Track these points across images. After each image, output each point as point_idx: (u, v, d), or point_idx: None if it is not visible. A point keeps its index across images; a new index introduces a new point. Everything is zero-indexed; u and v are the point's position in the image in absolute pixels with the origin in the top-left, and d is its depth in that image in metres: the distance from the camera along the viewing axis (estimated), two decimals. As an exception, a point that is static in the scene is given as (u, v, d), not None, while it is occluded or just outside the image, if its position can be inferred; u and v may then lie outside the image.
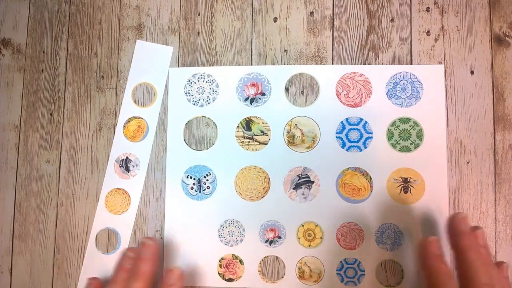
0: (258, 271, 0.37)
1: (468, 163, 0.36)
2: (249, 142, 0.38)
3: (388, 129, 0.37)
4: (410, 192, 0.36)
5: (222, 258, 0.37)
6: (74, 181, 0.39)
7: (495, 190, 0.36)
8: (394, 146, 0.37)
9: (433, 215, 0.36)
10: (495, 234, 0.36)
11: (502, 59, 0.37)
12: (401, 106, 0.37)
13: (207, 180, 0.38)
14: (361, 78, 0.38)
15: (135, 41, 0.40)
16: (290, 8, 0.39)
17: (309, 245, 0.37)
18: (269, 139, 0.38)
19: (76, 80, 0.40)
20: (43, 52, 0.40)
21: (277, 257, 0.37)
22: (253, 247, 0.37)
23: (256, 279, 0.37)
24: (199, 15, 0.40)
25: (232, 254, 0.37)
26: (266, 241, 0.37)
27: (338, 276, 0.36)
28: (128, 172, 0.38)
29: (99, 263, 0.38)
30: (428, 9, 0.38)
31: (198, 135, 0.38)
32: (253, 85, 0.38)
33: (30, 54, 0.41)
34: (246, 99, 0.38)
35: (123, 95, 0.39)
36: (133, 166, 0.38)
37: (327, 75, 0.38)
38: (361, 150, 0.37)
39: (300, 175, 0.37)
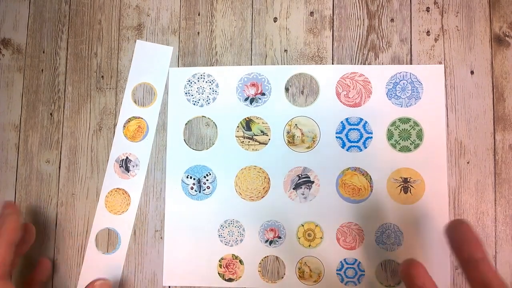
0: (258, 271, 0.37)
1: (468, 163, 0.36)
2: (249, 142, 0.38)
3: (388, 129, 0.37)
4: (410, 192, 0.36)
5: (222, 258, 0.37)
6: (74, 181, 0.39)
7: (495, 190, 0.36)
8: (394, 146, 0.37)
9: (433, 215, 0.36)
10: (495, 234, 0.36)
11: (502, 59, 0.37)
12: (401, 106, 0.37)
13: (207, 180, 0.38)
14: (361, 78, 0.38)
15: (135, 41, 0.40)
16: (290, 8, 0.39)
17: (309, 245, 0.37)
18: (269, 139, 0.38)
19: (76, 80, 0.40)
20: (43, 52, 0.40)
21: (277, 257, 0.37)
22: (253, 247, 0.37)
23: (256, 279, 0.37)
24: (199, 15, 0.40)
25: (232, 254, 0.37)
26: (266, 241, 0.37)
27: (338, 276, 0.36)
28: (128, 172, 0.38)
29: (99, 263, 0.38)
30: (428, 9, 0.38)
31: (198, 135, 0.38)
32: (253, 85, 0.38)
33: (30, 54, 0.41)
34: (246, 99, 0.38)
35: (123, 95, 0.39)
36: (133, 166, 0.38)
37: (327, 75, 0.38)
38: (361, 150, 0.37)
39: (300, 175, 0.37)
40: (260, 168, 0.37)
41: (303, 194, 0.37)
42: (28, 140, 0.40)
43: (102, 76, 0.40)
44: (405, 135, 0.37)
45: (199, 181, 0.38)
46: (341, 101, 0.38)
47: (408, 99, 0.37)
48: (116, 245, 0.38)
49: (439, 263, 0.35)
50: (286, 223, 0.37)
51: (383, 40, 0.38)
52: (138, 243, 0.38)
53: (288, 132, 0.38)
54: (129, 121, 0.39)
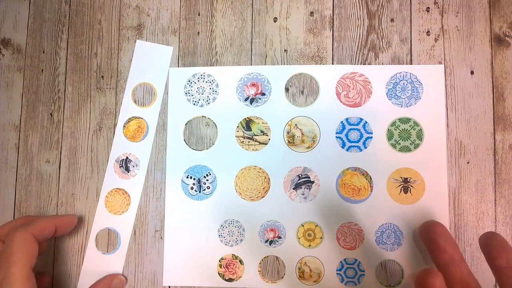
0: (258, 271, 0.37)
1: (468, 163, 0.36)
2: (249, 142, 0.38)
3: (388, 129, 0.37)
4: (410, 192, 0.36)
5: (222, 258, 0.37)
6: (74, 181, 0.39)
7: (495, 190, 0.36)
8: (394, 146, 0.37)
9: (433, 215, 0.36)
10: (495, 234, 0.36)
11: (502, 59, 0.37)
12: (401, 106, 0.37)
13: (207, 180, 0.38)
14: (361, 78, 0.38)
15: (135, 41, 0.40)
16: (290, 8, 0.39)
17: (309, 245, 0.37)
18: (269, 139, 0.38)
19: (76, 80, 0.40)
20: (43, 52, 0.40)
21: (277, 257, 0.37)
22: (253, 247, 0.37)
23: (256, 279, 0.37)
24: (199, 15, 0.40)
25: (232, 254, 0.37)
26: (266, 241, 0.37)
27: (338, 276, 0.36)
28: (128, 172, 0.38)
29: (99, 263, 0.38)
30: (428, 9, 0.38)
31: (198, 135, 0.38)
32: (253, 85, 0.38)
33: (30, 54, 0.41)
34: (246, 99, 0.38)
35: (123, 95, 0.39)
36: (133, 166, 0.38)
37: (327, 75, 0.38)
38: (361, 150, 0.37)
39: (300, 175, 0.37)
40: (260, 168, 0.37)
41: (303, 194, 0.37)
42: (28, 140, 0.40)
43: (102, 76, 0.40)
44: (405, 135, 0.37)
45: (199, 181, 0.38)
46: (341, 101, 0.38)
47: (408, 99, 0.37)
48: (116, 245, 0.38)
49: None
50: (286, 223, 0.37)
51: (383, 40, 0.38)
52: (138, 243, 0.38)
53: (288, 132, 0.38)
54: (129, 121, 0.39)
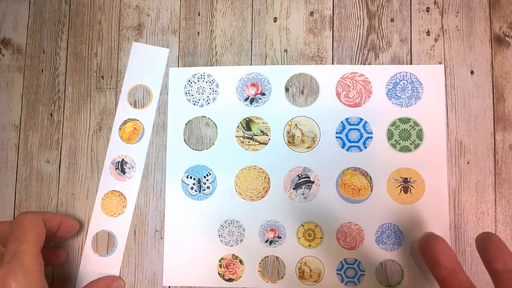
0: (258, 271, 0.37)
1: (468, 163, 0.36)
2: (249, 142, 0.38)
3: (388, 129, 0.37)
4: (410, 192, 0.36)
5: (222, 258, 0.37)
6: (74, 181, 0.39)
7: (495, 190, 0.36)
8: (394, 146, 0.37)
9: (433, 215, 0.36)
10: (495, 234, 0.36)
11: (502, 59, 0.37)
12: (401, 106, 0.37)
13: (207, 180, 0.38)
14: (361, 78, 0.38)
15: (135, 41, 0.40)
16: (290, 8, 0.39)
17: (309, 245, 0.37)
18: (269, 139, 0.38)
19: (76, 80, 0.40)
20: (43, 52, 0.40)
21: (277, 257, 0.37)
22: (253, 247, 0.37)
23: (256, 279, 0.37)
24: (199, 15, 0.40)
25: (232, 254, 0.37)
26: (266, 241, 0.37)
27: (338, 276, 0.36)
28: (124, 174, 0.38)
29: (96, 265, 0.38)
30: (428, 9, 0.38)
31: (198, 135, 0.38)
32: (253, 85, 0.38)
33: (30, 54, 0.41)
34: (246, 99, 0.38)
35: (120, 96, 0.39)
36: (129, 168, 0.38)
37: (327, 75, 0.38)
38: (361, 150, 0.37)
39: (300, 175, 0.37)
40: (260, 168, 0.37)
41: (303, 194, 0.37)
42: (28, 140, 0.40)
43: (102, 76, 0.40)
44: (405, 135, 0.37)
45: (199, 181, 0.38)
46: (341, 101, 0.38)
47: (408, 99, 0.37)
48: (113, 247, 0.38)
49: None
50: (286, 223, 0.37)
51: (383, 40, 0.38)
52: (138, 243, 0.38)
53: (288, 132, 0.38)
54: (124, 123, 0.39)
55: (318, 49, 0.38)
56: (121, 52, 0.40)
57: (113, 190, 0.38)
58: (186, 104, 0.39)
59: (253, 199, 0.37)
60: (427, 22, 0.38)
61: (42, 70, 0.40)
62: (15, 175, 0.40)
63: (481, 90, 0.37)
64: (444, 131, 0.37)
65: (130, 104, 0.39)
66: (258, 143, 0.38)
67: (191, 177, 0.38)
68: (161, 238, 0.38)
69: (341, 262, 0.36)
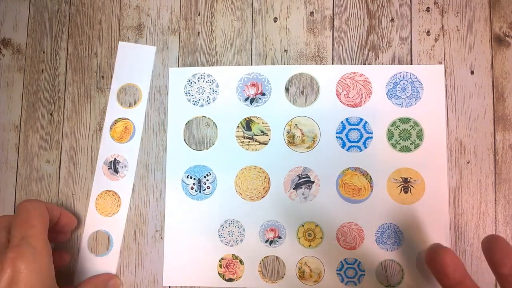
0: (258, 271, 0.37)
1: (468, 163, 0.36)
2: (249, 142, 0.38)
3: (388, 129, 0.37)
4: (410, 192, 0.36)
5: (222, 258, 0.37)
6: (74, 181, 0.39)
7: (495, 190, 0.36)
8: (394, 146, 0.37)
9: (433, 215, 0.36)
10: (495, 234, 0.36)
11: (502, 59, 0.37)
12: (401, 106, 0.37)
13: (207, 180, 0.38)
14: (361, 78, 0.38)
15: (136, 41, 0.40)
16: (290, 8, 0.39)
17: (309, 245, 0.37)
18: (269, 139, 0.38)
19: (76, 80, 0.40)
20: (43, 52, 0.40)
21: (277, 257, 0.37)
22: (253, 247, 0.37)
23: (256, 279, 0.37)
24: (199, 15, 0.40)
25: (232, 254, 0.37)
26: (266, 241, 0.37)
27: (338, 276, 0.36)
28: (117, 173, 0.38)
29: (93, 265, 0.38)
30: (428, 9, 0.38)
31: (198, 135, 0.38)
32: (253, 85, 0.38)
33: (30, 54, 0.41)
34: (246, 99, 0.38)
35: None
36: (122, 167, 0.38)
37: (327, 75, 0.38)
38: (361, 150, 0.37)
39: (300, 175, 0.37)
40: (260, 168, 0.37)
41: (303, 194, 0.37)
42: (28, 140, 0.40)
43: (102, 76, 0.40)
44: (405, 135, 0.37)
45: (199, 181, 0.38)
46: (341, 101, 0.38)
47: (408, 99, 0.37)
48: (109, 246, 0.38)
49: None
50: (286, 223, 0.37)
51: (383, 40, 0.38)
52: (138, 243, 0.38)
53: (288, 132, 0.38)
54: (115, 123, 0.39)
55: (318, 49, 0.38)
56: (121, 52, 0.40)
57: (107, 190, 0.38)
58: (186, 104, 0.39)
59: (253, 199, 0.37)
60: (427, 22, 0.38)
61: (42, 70, 0.40)
62: (15, 175, 0.40)
63: (481, 90, 0.37)
64: (444, 131, 0.37)
65: (120, 103, 0.39)
66: (258, 143, 0.38)
67: (191, 177, 0.38)
68: (161, 238, 0.38)
69: (341, 262, 0.36)
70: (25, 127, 0.40)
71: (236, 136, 0.38)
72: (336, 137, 0.37)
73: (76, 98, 0.40)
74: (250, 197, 0.37)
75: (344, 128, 0.37)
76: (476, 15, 0.38)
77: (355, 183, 0.37)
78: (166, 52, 0.39)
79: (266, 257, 0.37)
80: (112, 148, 0.39)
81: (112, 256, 0.38)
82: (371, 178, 0.37)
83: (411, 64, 0.38)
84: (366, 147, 0.37)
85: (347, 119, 0.37)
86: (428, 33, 0.38)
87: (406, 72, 0.37)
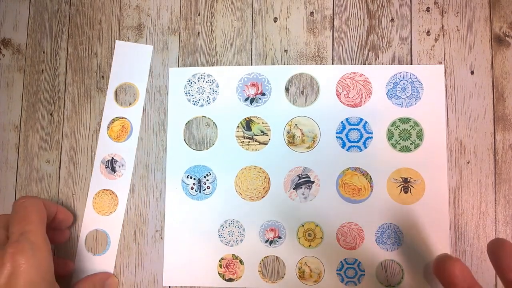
0: (258, 271, 0.37)
1: (468, 163, 0.36)
2: (249, 142, 0.38)
3: (388, 129, 0.37)
4: (410, 192, 0.36)
5: (222, 258, 0.37)
6: (74, 181, 0.39)
7: (495, 190, 0.36)
8: (394, 146, 0.37)
9: (433, 215, 0.36)
10: (495, 234, 0.36)
11: (502, 59, 0.37)
12: (401, 106, 0.37)
13: (207, 180, 0.38)
14: (361, 78, 0.38)
15: (136, 41, 0.40)
16: (290, 8, 0.39)
17: (309, 245, 0.37)
18: (269, 139, 0.38)
19: (76, 80, 0.40)
20: (43, 52, 0.40)
21: (277, 257, 0.37)
22: (253, 247, 0.37)
23: (256, 279, 0.37)
24: (199, 15, 0.40)
25: (232, 254, 0.37)
26: (266, 241, 0.37)
27: (338, 276, 0.36)
28: (114, 172, 0.38)
29: (90, 264, 0.38)
30: (428, 9, 0.38)
31: (198, 135, 0.38)
32: (253, 85, 0.38)
33: (30, 54, 0.41)
34: (246, 99, 0.38)
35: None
36: (119, 166, 0.38)
37: (327, 75, 0.38)
38: (361, 150, 0.37)
39: (300, 175, 0.37)
40: (260, 168, 0.37)
41: (303, 194, 0.37)
42: (28, 140, 0.40)
43: (102, 76, 0.40)
44: (405, 135, 0.37)
45: (199, 181, 0.38)
46: (341, 101, 0.38)
47: (408, 99, 0.37)
48: (106, 245, 0.38)
49: (439, 263, 0.35)
50: (286, 223, 0.37)
51: (383, 40, 0.38)
52: (138, 243, 0.38)
53: (288, 132, 0.38)
54: (112, 122, 0.39)
55: (318, 49, 0.38)
56: (121, 52, 0.40)
57: (104, 189, 0.38)
58: (186, 104, 0.39)
59: (253, 199, 0.37)
60: (427, 22, 0.38)
61: (42, 70, 0.40)
62: (15, 175, 0.40)
63: (481, 90, 0.37)
64: (444, 131, 0.37)
65: (117, 102, 0.39)
66: (258, 143, 0.38)
67: (191, 177, 0.38)
68: (161, 238, 0.38)
69: (341, 262, 0.36)
70: (25, 127, 0.40)
71: (236, 136, 0.38)
72: (336, 137, 0.37)
73: (76, 98, 0.40)
74: (250, 197, 0.37)
75: (344, 128, 0.37)
76: (476, 15, 0.38)
77: (355, 183, 0.37)
78: (166, 52, 0.39)
79: (266, 257, 0.37)
80: (110, 147, 0.39)
81: (110, 255, 0.38)
82: (371, 178, 0.37)
83: (411, 64, 0.38)
84: (366, 147, 0.37)
85: (347, 119, 0.37)
86: (428, 33, 0.38)
87: (406, 72, 0.37)
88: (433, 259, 0.35)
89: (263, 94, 0.38)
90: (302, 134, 0.37)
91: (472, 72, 0.37)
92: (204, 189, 0.38)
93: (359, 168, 0.37)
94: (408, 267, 0.36)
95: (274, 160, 0.37)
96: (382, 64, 0.38)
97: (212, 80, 0.39)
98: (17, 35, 0.41)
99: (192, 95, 0.39)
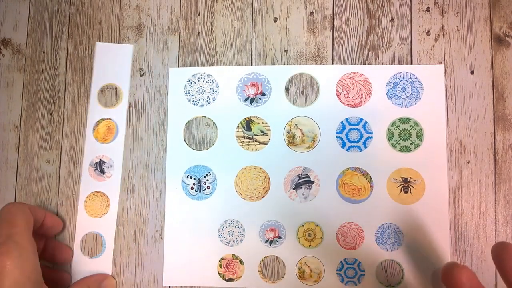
0: (258, 271, 0.37)
1: (468, 163, 0.36)
2: (249, 142, 0.38)
3: (388, 129, 0.37)
4: (410, 192, 0.36)
5: (222, 258, 0.37)
6: (74, 181, 0.39)
7: (495, 190, 0.36)
8: (394, 146, 0.37)
9: (433, 215, 0.36)
10: (495, 234, 0.36)
11: (502, 59, 0.37)
12: (401, 106, 0.37)
13: (207, 180, 0.38)
14: (361, 78, 0.38)
15: (136, 41, 0.40)
16: (290, 8, 0.39)
17: (309, 245, 0.37)
18: (269, 139, 0.38)
19: (76, 80, 0.40)
20: (43, 52, 0.40)
21: (277, 257, 0.37)
22: (253, 247, 0.37)
23: (256, 279, 0.37)
24: (199, 15, 0.40)
25: (232, 254, 0.37)
26: (266, 241, 0.37)
27: (338, 276, 0.36)
28: (104, 174, 0.38)
29: (87, 267, 0.37)
30: (428, 9, 0.38)
31: (198, 135, 0.38)
32: (253, 85, 0.38)
33: (30, 54, 0.41)
34: (246, 99, 0.38)
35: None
36: (108, 167, 0.38)
37: (327, 75, 0.38)
38: (361, 150, 0.37)
39: (300, 175, 0.37)
40: (260, 168, 0.37)
41: (303, 194, 0.37)
42: (28, 140, 0.40)
43: (102, 76, 0.40)
44: (405, 135, 0.37)
45: (199, 181, 0.38)
46: (341, 101, 0.38)
47: (408, 99, 0.37)
48: (101, 247, 0.38)
49: (439, 263, 0.35)
50: (286, 223, 0.37)
51: (383, 40, 0.38)
52: (138, 243, 0.38)
53: (288, 132, 0.38)
54: (98, 124, 0.39)
55: (318, 49, 0.38)
56: (121, 52, 0.40)
57: (95, 191, 0.38)
58: (186, 104, 0.39)
59: (253, 199, 0.37)
60: (427, 22, 0.38)
61: (42, 70, 0.40)
62: (15, 175, 0.40)
63: (481, 90, 0.37)
64: (444, 131, 0.37)
65: (101, 103, 0.39)
66: (258, 143, 0.38)
67: (191, 177, 0.38)
68: (161, 238, 0.38)
69: (341, 262, 0.36)
70: (25, 127, 0.40)
71: (236, 136, 0.38)
72: (336, 137, 0.37)
73: (76, 98, 0.40)
74: (250, 197, 0.37)
75: (344, 128, 0.37)
76: (476, 15, 0.38)
77: (355, 183, 0.37)
78: (166, 52, 0.40)
79: (266, 257, 0.37)
80: (97, 149, 0.39)
81: (106, 256, 0.38)
82: (371, 178, 0.37)
83: (411, 64, 0.38)
84: (366, 147, 0.37)
85: (347, 119, 0.37)
86: (428, 33, 0.38)
87: (406, 72, 0.37)
88: (440, 266, 0.35)
89: (263, 94, 0.38)
90: (302, 134, 0.37)
91: (472, 72, 0.37)
92: (204, 189, 0.38)
93: (359, 168, 0.37)
94: (408, 267, 0.36)
95: (274, 160, 0.37)
96: (382, 64, 0.38)
97: (212, 80, 0.39)
98: (17, 35, 0.41)
99: (192, 95, 0.39)
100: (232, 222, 0.37)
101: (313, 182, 0.37)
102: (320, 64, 0.38)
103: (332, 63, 0.38)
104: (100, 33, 0.40)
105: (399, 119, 0.37)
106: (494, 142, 0.37)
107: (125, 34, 0.40)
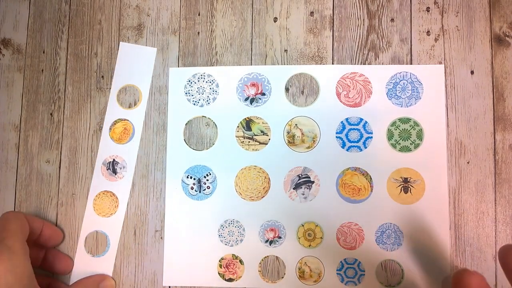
0: (258, 271, 0.37)
1: (468, 163, 0.36)
2: (249, 142, 0.38)
3: (388, 129, 0.37)
4: (410, 192, 0.36)
5: (222, 258, 0.37)
6: (74, 181, 0.39)
7: (495, 190, 0.36)
8: (394, 146, 0.37)
9: (433, 215, 0.36)
10: (495, 234, 0.36)
11: (502, 59, 0.37)
12: (401, 106, 0.37)
13: (207, 180, 0.38)
14: (361, 78, 0.38)
15: (136, 41, 0.40)
16: (290, 8, 0.39)
17: (309, 245, 0.37)
18: (269, 139, 0.38)
19: (76, 80, 0.40)
20: (43, 52, 0.40)
21: (277, 257, 0.37)
22: (253, 247, 0.37)
23: (256, 279, 0.37)
24: (199, 15, 0.40)
25: (232, 254, 0.37)
26: (266, 241, 0.37)
27: (338, 276, 0.36)
28: (115, 174, 0.38)
29: (89, 265, 0.37)
30: (428, 9, 0.38)
31: (198, 135, 0.38)
32: (253, 85, 0.38)
33: (30, 54, 0.41)
34: (246, 99, 0.38)
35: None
36: (120, 168, 0.38)
37: (327, 75, 0.38)
38: (361, 150, 0.37)
39: (300, 175, 0.37)
40: (260, 168, 0.37)
41: (303, 194, 0.37)
42: (28, 140, 0.40)
43: (102, 76, 0.40)
44: (405, 135, 0.37)
45: (199, 181, 0.38)
46: (341, 101, 0.38)
47: (408, 99, 0.37)
48: (105, 247, 0.38)
49: (439, 263, 0.35)
50: (286, 223, 0.37)
51: (383, 40, 0.38)
52: (138, 243, 0.38)
53: (288, 132, 0.38)
54: (115, 124, 0.39)
55: (318, 49, 0.38)
56: (121, 52, 0.40)
57: (105, 191, 0.38)
58: (186, 104, 0.39)
59: (253, 199, 0.37)
60: (427, 22, 0.38)
61: (42, 70, 0.40)
62: (15, 175, 0.40)
63: (481, 90, 0.37)
64: (444, 131, 0.37)
65: (120, 104, 0.39)
66: (258, 143, 0.38)
67: (191, 177, 0.38)
68: (161, 238, 0.38)
69: (341, 262, 0.36)
70: (25, 127, 0.40)
71: (236, 136, 0.38)
72: (336, 137, 0.37)
73: (76, 98, 0.40)
74: (250, 197, 0.37)
75: (344, 128, 0.37)
76: (476, 15, 0.38)
77: (355, 183, 0.37)
78: (166, 52, 0.40)
79: (266, 257, 0.37)
80: (111, 149, 0.39)
81: (109, 256, 0.38)
82: (371, 178, 0.37)
83: (411, 64, 0.38)
84: (366, 147, 0.37)
85: (347, 119, 0.37)
86: (428, 33, 0.38)
87: (406, 72, 0.37)
88: (440, 267, 0.35)
89: (263, 94, 0.38)
90: (302, 134, 0.37)
91: (472, 72, 0.37)
92: (204, 189, 0.38)
93: (359, 168, 0.37)
94: (408, 267, 0.36)
95: (274, 160, 0.37)
96: (382, 64, 0.38)
97: (212, 80, 0.39)
98: (17, 35, 0.41)
99: (192, 95, 0.39)
100: (232, 222, 0.37)
101: (313, 182, 0.37)
102: (320, 64, 0.38)
103: (332, 63, 0.38)
104: (100, 33, 0.40)
105: (399, 119, 0.37)
106: (494, 142, 0.37)
107: (125, 34, 0.40)
